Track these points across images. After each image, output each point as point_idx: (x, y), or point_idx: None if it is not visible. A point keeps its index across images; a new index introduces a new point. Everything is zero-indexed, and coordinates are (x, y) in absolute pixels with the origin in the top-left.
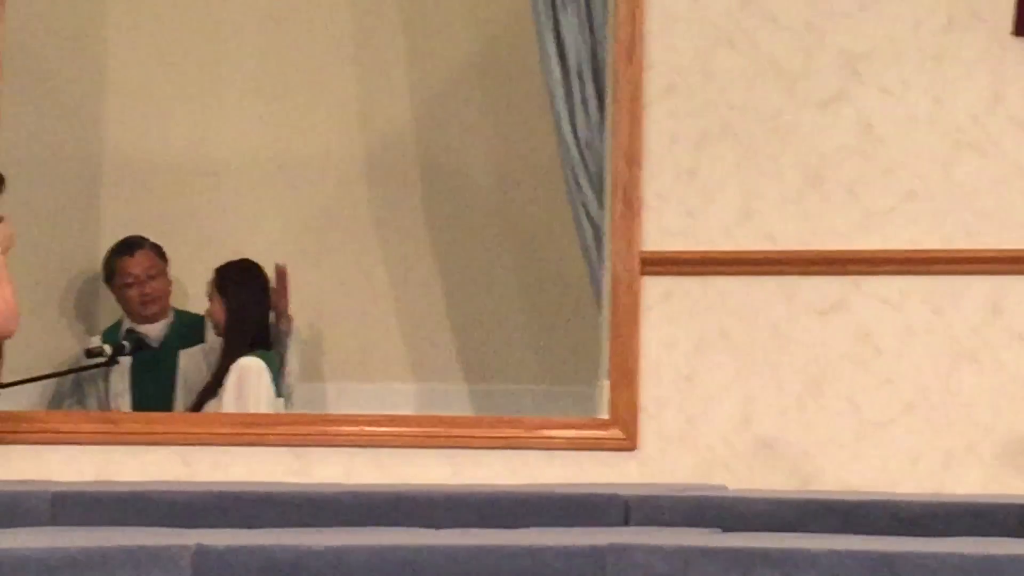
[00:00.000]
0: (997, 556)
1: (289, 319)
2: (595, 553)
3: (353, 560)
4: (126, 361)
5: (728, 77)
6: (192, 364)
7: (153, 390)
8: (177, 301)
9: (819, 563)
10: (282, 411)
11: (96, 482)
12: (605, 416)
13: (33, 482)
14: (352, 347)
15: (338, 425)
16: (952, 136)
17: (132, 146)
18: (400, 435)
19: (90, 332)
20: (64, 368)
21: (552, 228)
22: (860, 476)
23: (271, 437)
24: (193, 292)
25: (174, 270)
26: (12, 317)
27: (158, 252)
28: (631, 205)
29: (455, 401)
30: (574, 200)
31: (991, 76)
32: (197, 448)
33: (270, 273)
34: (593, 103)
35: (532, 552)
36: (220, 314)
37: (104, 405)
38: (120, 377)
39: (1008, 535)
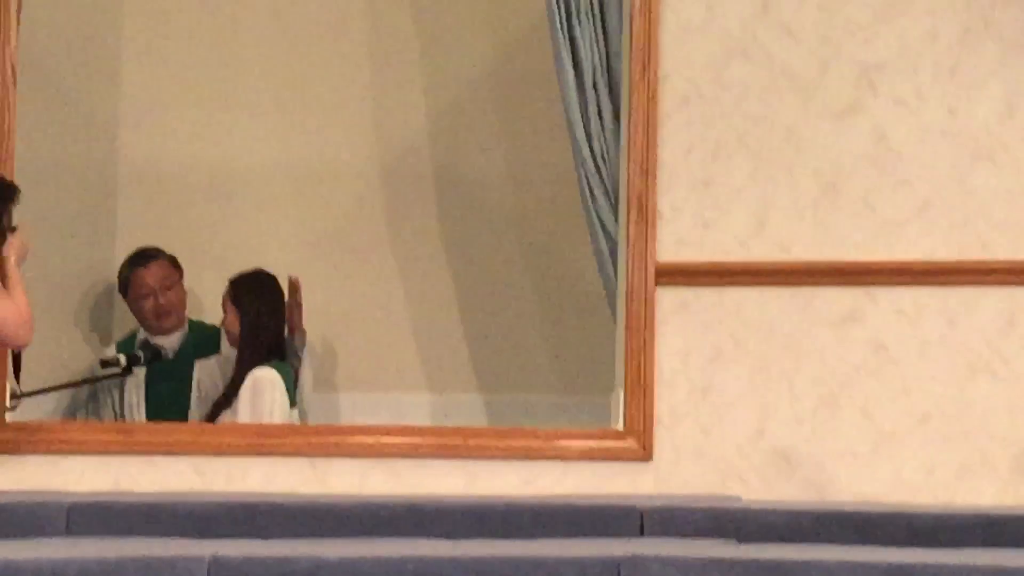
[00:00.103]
0: (1011, 568)
1: (303, 333)
2: (610, 564)
3: (368, 570)
4: (141, 372)
5: (743, 88)
6: (207, 375)
7: (168, 401)
8: (192, 312)
9: (834, 574)
10: (296, 422)
11: (112, 492)
12: (620, 427)
13: (49, 492)
14: (367, 357)
15: (353, 435)
16: (967, 147)
17: (147, 157)
18: (415, 446)
19: (105, 343)
20: (79, 378)
21: (567, 238)
22: (875, 487)
23: (286, 448)
24: (208, 303)
25: (189, 281)
26: (27, 327)
27: (173, 263)
28: (646, 215)
29: (470, 412)
30: (589, 210)
31: (1006, 87)
32: (212, 459)
33: (284, 284)
34: (608, 114)
35: (547, 563)
36: (235, 325)
37: (119, 416)
38: (135, 388)
39: (1022, 547)
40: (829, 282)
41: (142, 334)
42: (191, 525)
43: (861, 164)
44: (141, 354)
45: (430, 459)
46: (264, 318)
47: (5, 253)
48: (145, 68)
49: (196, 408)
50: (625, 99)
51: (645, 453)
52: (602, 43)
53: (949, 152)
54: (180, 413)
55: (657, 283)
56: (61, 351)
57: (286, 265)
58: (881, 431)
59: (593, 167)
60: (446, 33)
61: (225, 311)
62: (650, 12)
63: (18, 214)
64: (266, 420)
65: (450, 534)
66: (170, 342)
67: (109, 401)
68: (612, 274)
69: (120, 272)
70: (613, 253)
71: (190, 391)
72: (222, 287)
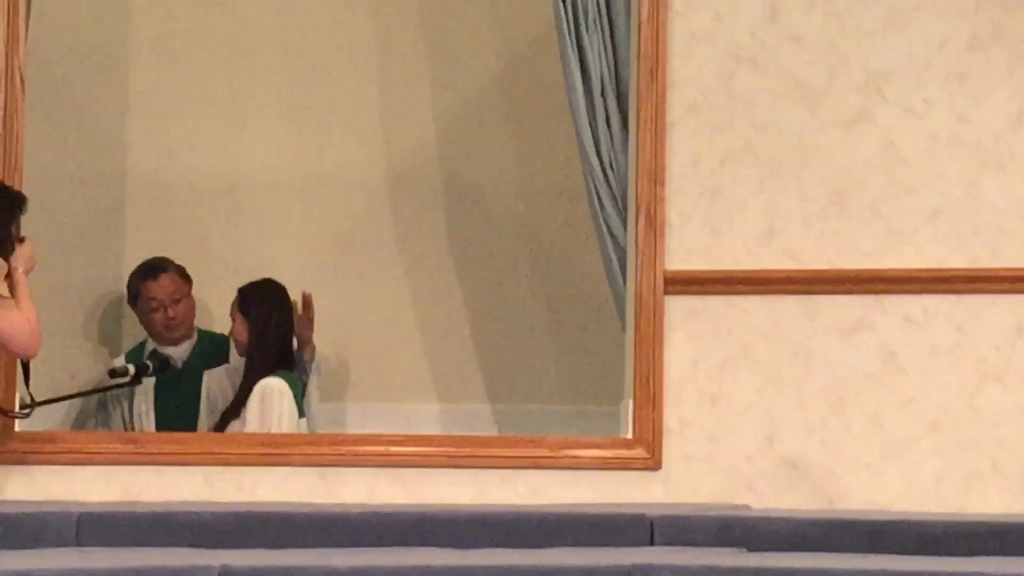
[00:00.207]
0: None
1: (312, 347)
2: (620, 573)
3: None
4: (150, 381)
5: (751, 96)
6: (216, 384)
7: (177, 410)
8: (201, 321)
9: None
10: (305, 432)
11: (121, 503)
12: (629, 436)
13: (58, 503)
14: (375, 367)
15: (362, 445)
16: (976, 155)
17: (155, 166)
18: (424, 455)
19: (114, 353)
20: (88, 388)
21: (576, 247)
22: (884, 495)
23: (295, 457)
24: (217, 312)
25: (198, 290)
26: (35, 337)
27: (182, 274)
28: (654, 224)
29: (479, 421)
30: (597, 219)
31: (1014, 94)
32: (221, 468)
33: (293, 294)
34: (616, 122)
35: (557, 573)
36: (243, 334)
37: (128, 425)
38: (144, 397)
39: None
40: (838, 290)
41: (151, 344)
42: (200, 535)
43: (870, 172)
44: (150, 364)
45: (439, 469)
46: (272, 327)
47: (13, 263)
48: (153, 78)
49: (205, 418)
50: (633, 107)
51: (654, 462)
52: (610, 52)
53: (958, 160)
54: (189, 423)
55: (666, 292)
56: (70, 361)
57: (295, 274)
58: (890, 439)
59: (601, 175)
60: (454, 42)
61: (233, 320)
62: (658, 20)
63: (27, 224)
64: (274, 429)
65: (459, 543)
66: (179, 352)
67: (118, 411)
68: (621, 283)
69: (129, 284)
70: (622, 262)
71: (199, 401)
72: (231, 296)
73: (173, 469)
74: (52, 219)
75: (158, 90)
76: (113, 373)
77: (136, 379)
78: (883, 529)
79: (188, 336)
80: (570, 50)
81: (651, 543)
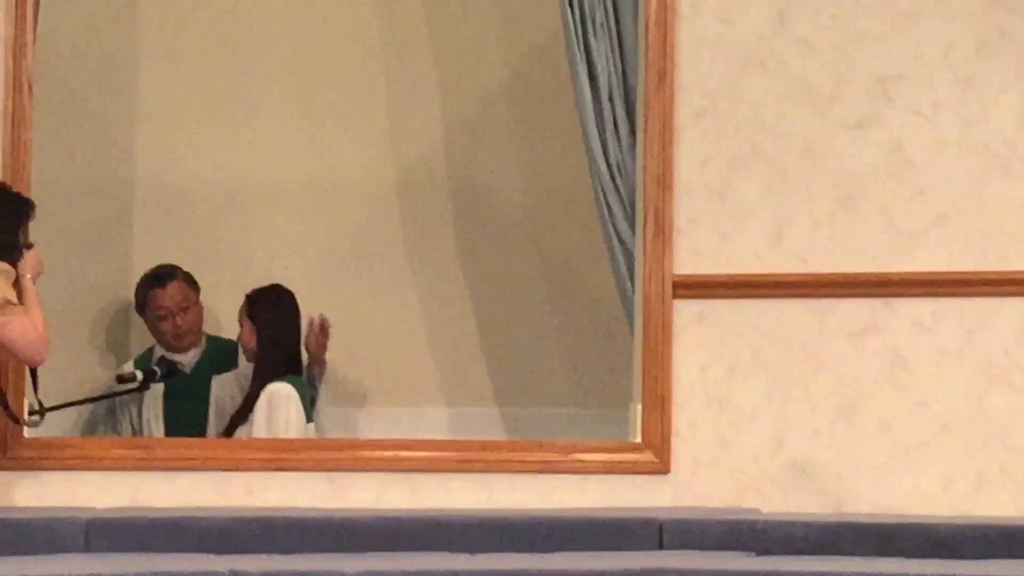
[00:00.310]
0: None
1: (322, 363)
2: None
3: None
4: (158, 387)
5: (759, 100)
6: (225, 390)
7: (186, 416)
8: (209, 326)
9: None
10: (313, 437)
11: (130, 508)
12: (638, 439)
13: (67, 508)
14: (384, 371)
15: (371, 450)
16: (983, 158)
17: (163, 172)
18: (433, 460)
19: (122, 359)
20: (96, 395)
21: (584, 251)
22: (893, 499)
23: (304, 462)
24: (225, 317)
25: (205, 296)
26: (43, 343)
27: (190, 282)
28: (662, 228)
29: (487, 425)
30: (605, 223)
31: (1022, 97)
32: (231, 474)
33: (301, 299)
34: (624, 126)
35: None
36: (251, 340)
37: (137, 431)
38: (153, 403)
39: None
40: (846, 293)
41: (159, 350)
42: (210, 540)
43: (877, 175)
44: (158, 370)
45: (448, 473)
46: (280, 333)
47: (21, 270)
48: (161, 83)
49: (214, 423)
50: (641, 112)
51: (663, 466)
52: (618, 56)
53: (966, 163)
54: (198, 428)
55: (674, 296)
56: (78, 367)
57: (303, 279)
58: (899, 442)
59: (609, 180)
60: (462, 46)
61: (241, 326)
62: (666, 24)
63: (35, 230)
64: (282, 434)
65: (468, 548)
66: (187, 358)
67: (127, 417)
68: (629, 287)
69: (137, 292)
70: (630, 266)
71: (207, 406)
72: (239, 302)
73: (182, 474)
74: (60, 225)
75: (166, 97)
76: (121, 379)
77: (144, 385)
78: (892, 532)
79: (196, 343)
80: (578, 55)
81: (660, 547)
